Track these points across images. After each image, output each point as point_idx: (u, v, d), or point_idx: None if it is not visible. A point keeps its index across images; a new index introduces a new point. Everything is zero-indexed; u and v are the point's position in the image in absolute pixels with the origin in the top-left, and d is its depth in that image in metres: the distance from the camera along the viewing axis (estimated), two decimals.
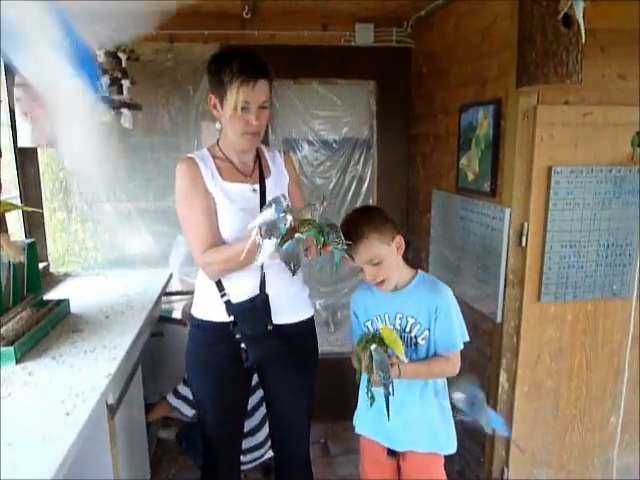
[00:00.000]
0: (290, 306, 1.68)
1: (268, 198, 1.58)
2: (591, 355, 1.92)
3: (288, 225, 1.31)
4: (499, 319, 1.89)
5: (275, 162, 1.71)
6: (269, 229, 1.31)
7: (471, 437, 2.15)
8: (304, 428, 1.85)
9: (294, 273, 1.32)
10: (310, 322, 1.77)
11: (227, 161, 1.62)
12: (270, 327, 1.59)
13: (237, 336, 1.58)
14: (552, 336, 1.88)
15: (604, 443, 2.02)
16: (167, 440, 2.64)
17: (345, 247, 1.37)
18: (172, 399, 2.24)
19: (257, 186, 1.61)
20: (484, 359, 2.02)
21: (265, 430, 2.25)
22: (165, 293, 2.55)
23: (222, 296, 1.60)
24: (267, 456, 2.31)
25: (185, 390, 2.21)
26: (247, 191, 1.59)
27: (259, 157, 1.68)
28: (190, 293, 2.92)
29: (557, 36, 1.49)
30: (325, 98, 2.74)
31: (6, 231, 1.55)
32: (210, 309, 1.64)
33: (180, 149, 2.83)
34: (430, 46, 2.47)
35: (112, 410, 1.57)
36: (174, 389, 2.25)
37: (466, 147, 2.07)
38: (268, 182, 1.64)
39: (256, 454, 2.28)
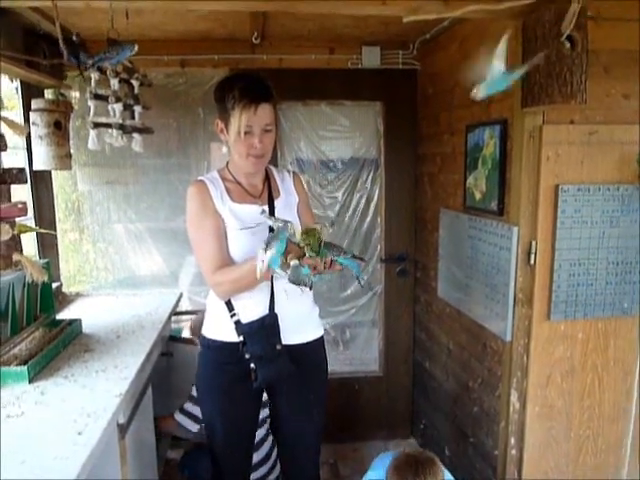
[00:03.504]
0: (300, 326, 1.69)
1: (278, 216, 1.60)
2: (603, 374, 1.90)
3: (286, 241, 1.37)
4: (508, 338, 1.88)
5: (284, 183, 1.74)
6: (267, 243, 1.37)
7: (482, 458, 2.13)
8: (314, 448, 1.84)
9: (310, 288, 1.40)
10: (320, 342, 1.77)
11: (236, 183, 1.66)
12: (279, 347, 1.59)
13: (246, 356, 1.59)
14: (562, 355, 1.87)
15: (619, 464, 1.99)
16: (176, 460, 2.63)
17: (350, 256, 1.42)
18: (177, 415, 2.24)
19: (266, 207, 1.63)
20: (494, 378, 2.01)
21: (268, 443, 2.24)
22: (175, 313, 2.57)
23: (232, 316, 1.62)
24: (274, 475, 2.28)
25: (189, 406, 2.21)
26: (256, 212, 1.61)
27: (268, 178, 1.72)
28: (200, 312, 2.93)
29: (560, 57, 1.51)
30: (333, 119, 2.78)
31: (21, 251, 1.58)
32: (220, 329, 1.66)
33: (190, 170, 2.87)
34: (436, 67, 2.50)
35: (123, 430, 1.58)
36: (180, 406, 2.26)
37: (473, 166, 2.08)
38: (277, 203, 1.67)
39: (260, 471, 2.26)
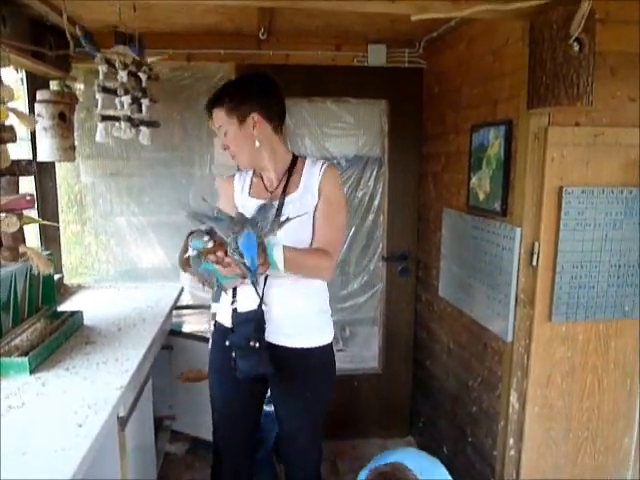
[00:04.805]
0: (295, 329, 1.64)
1: (285, 214, 1.56)
2: (603, 376, 1.90)
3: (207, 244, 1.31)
4: (509, 338, 1.88)
5: (309, 179, 1.63)
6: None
7: (481, 458, 2.13)
8: (308, 449, 1.81)
9: (219, 288, 1.41)
10: (319, 350, 1.68)
11: (259, 177, 1.70)
12: (252, 344, 1.56)
13: (226, 343, 1.62)
14: (563, 356, 1.87)
15: (617, 465, 1.99)
16: (174, 454, 2.65)
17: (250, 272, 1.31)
18: None
19: (276, 202, 1.61)
20: (494, 378, 2.01)
21: None
22: (175, 307, 2.57)
23: (232, 303, 1.66)
24: None
25: None
26: None
27: (290, 173, 1.66)
28: (201, 307, 2.94)
29: (567, 59, 1.51)
30: (338, 116, 2.77)
31: (24, 243, 1.58)
32: (224, 313, 1.71)
33: (193, 164, 2.88)
34: (442, 67, 2.50)
35: (123, 422, 1.58)
36: None
37: (477, 167, 2.08)
38: (289, 198, 1.62)
39: None
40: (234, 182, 1.74)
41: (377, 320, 3.00)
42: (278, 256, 1.32)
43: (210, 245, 1.30)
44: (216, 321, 1.79)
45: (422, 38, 2.56)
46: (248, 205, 1.63)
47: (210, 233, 1.31)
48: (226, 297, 1.70)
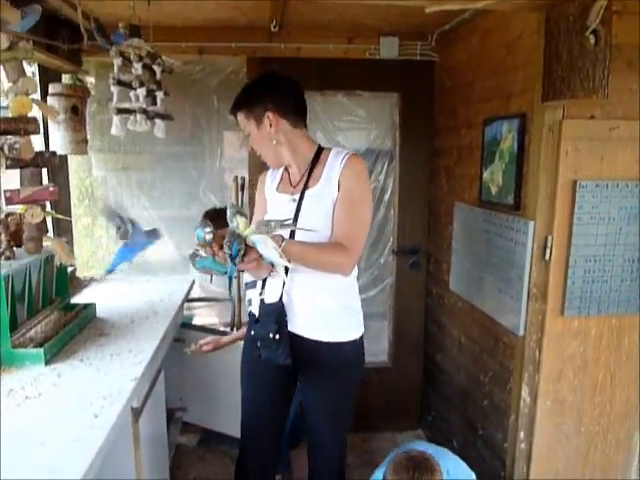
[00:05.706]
0: (313, 322, 1.64)
1: (304, 209, 1.59)
2: (615, 371, 1.90)
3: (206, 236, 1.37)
4: (521, 332, 1.88)
5: (331, 170, 1.58)
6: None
7: (492, 451, 2.13)
8: (326, 442, 1.80)
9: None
10: (335, 346, 1.65)
11: (288, 173, 1.71)
12: (271, 335, 1.58)
13: (252, 333, 1.67)
14: (575, 350, 1.86)
15: (628, 461, 1.99)
16: (185, 446, 2.67)
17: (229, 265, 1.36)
18: None
19: (297, 196, 1.61)
20: (506, 372, 2.01)
21: None
22: (187, 300, 2.58)
23: (260, 294, 1.68)
24: None
25: None
26: (286, 202, 1.63)
27: (313, 166, 1.63)
28: (211, 300, 2.96)
29: (583, 52, 1.50)
30: (349, 110, 2.76)
31: (47, 234, 1.59)
32: (255, 304, 1.73)
33: (204, 158, 2.89)
34: (454, 60, 2.48)
35: (136, 414, 1.60)
36: None
37: (490, 160, 2.07)
38: (308, 192, 1.59)
39: None
40: (266, 177, 1.77)
41: (387, 314, 3.00)
42: (266, 253, 1.33)
43: (209, 237, 1.36)
44: (250, 311, 1.81)
45: (435, 31, 2.54)
46: (272, 199, 1.70)
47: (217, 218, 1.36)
48: (257, 289, 1.73)
